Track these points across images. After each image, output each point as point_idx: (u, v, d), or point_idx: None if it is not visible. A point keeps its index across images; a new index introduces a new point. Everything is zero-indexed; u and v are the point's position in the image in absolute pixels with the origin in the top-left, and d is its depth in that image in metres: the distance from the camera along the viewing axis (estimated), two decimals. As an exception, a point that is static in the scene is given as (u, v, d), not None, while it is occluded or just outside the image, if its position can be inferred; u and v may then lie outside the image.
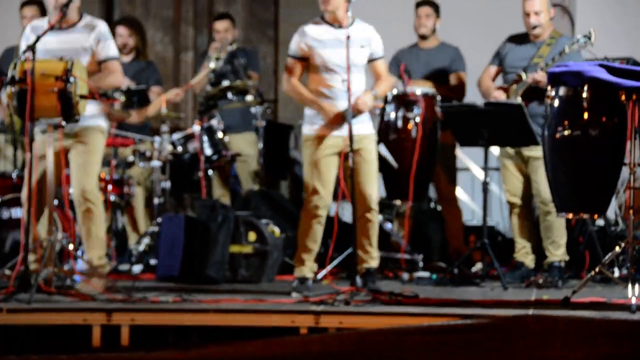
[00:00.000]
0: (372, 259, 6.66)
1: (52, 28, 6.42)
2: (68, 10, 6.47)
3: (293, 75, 6.58)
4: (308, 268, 6.63)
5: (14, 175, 7.49)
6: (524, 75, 7.22)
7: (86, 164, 6.57)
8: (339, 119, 6.46)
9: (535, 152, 7.05)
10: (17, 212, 7.25)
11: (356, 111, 6.43)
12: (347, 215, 6.95)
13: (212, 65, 8.29)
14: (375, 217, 6.62)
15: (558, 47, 7.21)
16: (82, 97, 6.28)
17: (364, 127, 6.58)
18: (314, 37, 6.54)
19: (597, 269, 5.99)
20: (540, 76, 7.08)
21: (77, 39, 6.58)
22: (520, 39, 7.43)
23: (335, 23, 6.53)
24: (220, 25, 8.70)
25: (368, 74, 6.69)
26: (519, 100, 7.15)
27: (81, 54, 6.53)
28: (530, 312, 5.62)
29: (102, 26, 6.65)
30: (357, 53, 6.48)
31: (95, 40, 6.58)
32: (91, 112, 6.53)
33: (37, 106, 6.13)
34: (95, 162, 6.62)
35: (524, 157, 7.24)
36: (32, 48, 6.15)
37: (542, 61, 7.20)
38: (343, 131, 6.44)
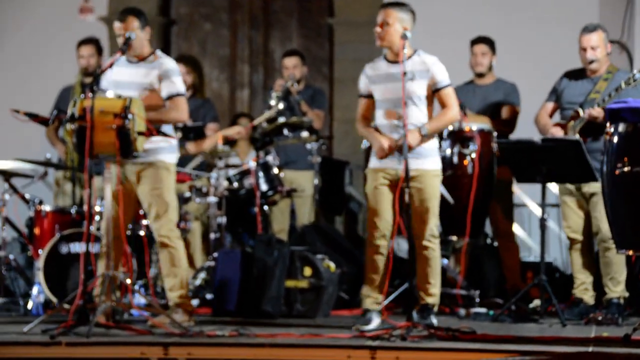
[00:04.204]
0: (429, 295, 6.60)
1: (124, 60, 6.60)
2: (132, 43, 6.57)
3: (361, 112, 6.69)
4: (371, 300, 6.60)
5: (72, 211, 7.57)
6: (581, 112, 7.15)
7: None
8: (390, 151, 6.47)
9: (595, 188, 6.99)
10: (76, 247, 7.33)
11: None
12: (403, 251, 6.91)
13: (272, 102, 8.33)
14: (432, 253, 6.57)
15: (615, 81, 7.15)
16: (140, 133, 6.35)
17: (423, 163, 6.53)
18: (371, 74, 6.63)
19: (658, 306, 5.94)
20: (597, 112, 7.02)
21: (142, 74, 6.66)
22: (577, 75, 7.37)
23: (392, 59, 6.56)
24: (289, 61, 8.71)
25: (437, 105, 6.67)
26: (576, 136, 7.10)
27: (143, 88, 6.63)
28: (590, 349, 5.55)
29: (168, 63, 6.68)
30: (411, 86, 6.47)
31: (158, 77, 6.65)
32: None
33: (96, 143, 6.21)
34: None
35: (584, 194, 7.17)
36: (90, 87, 6.24)
37: (598, 97, 7.15)
38: (397, 164, 6.45)
